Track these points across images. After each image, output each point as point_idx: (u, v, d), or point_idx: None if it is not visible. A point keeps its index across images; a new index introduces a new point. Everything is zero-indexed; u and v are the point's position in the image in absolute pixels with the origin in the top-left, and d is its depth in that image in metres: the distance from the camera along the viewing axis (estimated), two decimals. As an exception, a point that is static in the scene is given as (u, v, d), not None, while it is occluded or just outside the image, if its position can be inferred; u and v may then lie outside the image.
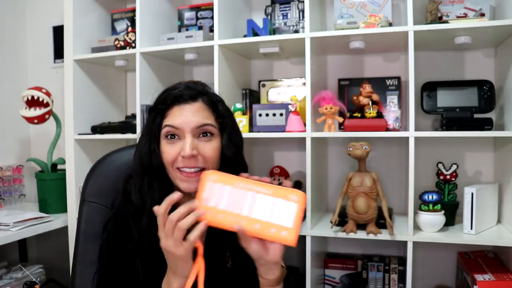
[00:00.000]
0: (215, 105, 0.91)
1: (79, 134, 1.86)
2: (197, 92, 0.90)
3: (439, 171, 1.58)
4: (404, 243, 1.46)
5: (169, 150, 0.86)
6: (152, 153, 0.88)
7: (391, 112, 1.72)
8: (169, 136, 0.87)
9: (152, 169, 0.88)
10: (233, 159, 0.91)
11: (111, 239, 0.89)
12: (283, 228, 0.71)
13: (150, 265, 0.85)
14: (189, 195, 0.90)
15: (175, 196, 0.77)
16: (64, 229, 1.88)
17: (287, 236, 0.71)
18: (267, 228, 0.72)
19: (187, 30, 1.89)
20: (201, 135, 0.87)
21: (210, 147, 0.88)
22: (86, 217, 1.07)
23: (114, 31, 2.04)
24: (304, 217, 1.54)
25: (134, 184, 0.90)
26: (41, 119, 1.88)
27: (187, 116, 0.86)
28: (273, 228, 0.72)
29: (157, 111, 0.89)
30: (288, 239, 0.71)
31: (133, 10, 1.90)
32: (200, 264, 0.78)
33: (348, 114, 1.58)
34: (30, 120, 1.87)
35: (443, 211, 1.44)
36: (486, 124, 1.44)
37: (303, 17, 1.76)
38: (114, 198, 0.96)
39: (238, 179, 0.76)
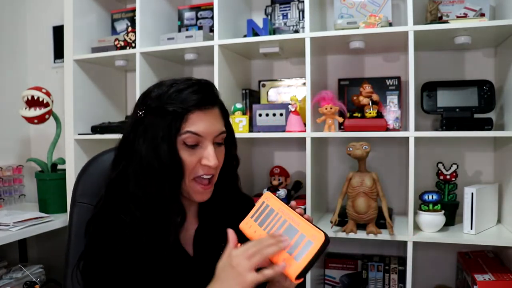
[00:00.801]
0: (225, 109, 0.90)
1: (79, 134, 1.86)
2: (214, 95, 0.87)
3: (439, 171, 1.57)
4: (404, 243, 1.46)
5: (188, 158, 0.82)
6: (176, 159, 0.81)
7: (391, 112, 1.72)
8: (189, 143, 0.82)
9: (174, 175, 0.82)
10: (235, 156, 0.95)
11: (97, 242, 0.83)
12: (291, 261, 0.72)
13: (157, 273, 0.82)
14: (195, 203, 0.91)
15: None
16: (64, 229, 1.87)
17: (291, 270, 0.71)
18: (281, 255, 0.74)
19: (187, 30, 1.89)
20: (216, 143, 0.86)
21: (222, 155, 0.89)
22: (77, 219, 1.04)
23: (114, 31, 2.04)
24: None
25: (146, 189, 0.82)
26: (41, 119, 1.88)
27: (211, 123, 0.83)
28: (285, 257, 0.73)
29: (174, 115, 0.80)
30: (290, 272, 0.71)
31: (133, 10, 1.90)
32: None
33: (348, 114, 1.58)
34: (30, 120, 1.87)
35: (443, 211, 1.44)
36: (486, 124, 1.44)
37: (303, 17, 1.76)
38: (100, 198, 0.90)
39: (284, 207, 0.80)
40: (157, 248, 0.83)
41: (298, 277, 0.71)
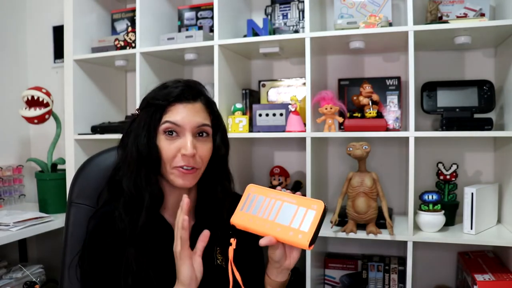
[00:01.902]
0: (212, 106, 0.95)
1: (79, 134, 1.86)
2: (197, 91, 0.93)
3: (439, 171, 1.58)
4: (404, 243, 1.46)
5: (167, 147, 0.88)
6: (152, 147, 0.87)
7: (391, 112, 1.72)
8: (168, 132, 0.88)
9: (150, 163, 0.88)
10: (224, 158, 0.97)
11: (93, 237, 0.89)
12: (299, 232, 0.77)
13: (145, 258, 0.85)
14: (180, 195, 0.92)
15: (184, 204, 0.81)
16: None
17: (302, 240, 0.76)
18: (286, 231, 0.78)
19: (187, 30, 1.89)
20: (198, 135, 0.90)
21: (206, 148, 0.92)
22: (74, 220, 1.05)
23: (114, 31, 2.04)
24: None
25: (128, 177, 0.89)
26: (41, 119, 1.88)
27: (189, 114, 0.88)
28: (291, 232, 0.78)
29: (156, 106, 0.89)
30: (302, 242, 0.76)
31: (133, 10, 1.90)
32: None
33: (348, 114, 1.58)
34: (30, 120, 1.87)
35: (443, 211, 1.44)
36: (486, 124, 1.44)
37: (303, 17, 1.76)
38: (99, 194, 0.96)
39: (273, 192, 0.84)
40: (146, 238, 0.86)
41: (310, 244, 0.75)
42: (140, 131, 0.89)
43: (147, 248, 0.86)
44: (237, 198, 1.06)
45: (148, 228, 0.87)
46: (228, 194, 0.99)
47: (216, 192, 0.97)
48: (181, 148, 0.87)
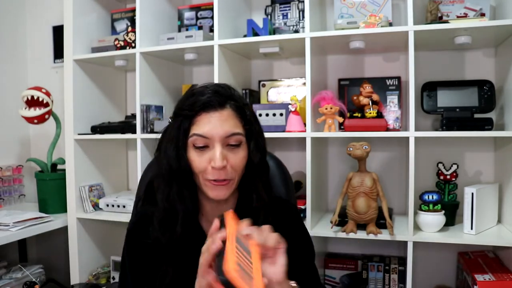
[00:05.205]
0: (243, 111, 0.89)
1: (79, 134, 1.86)
2: (225, 97, 0.86)
3: (439, 171, 1.57)
4: (404, 243, 1.46)
5: (198, 160, 0.84)
6: (181, 160, 0.85)
7: (391, 112, 1.72)
8: (197, 145, 0.84)
9: (181, 176, 0.86)
10: (259, 164, 0.91)
11: (130, 237, 0.91)
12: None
13: (178, 271, 0.85)
14: (217, 202, 0.90)
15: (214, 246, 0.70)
16: (64, 229, 1.87)
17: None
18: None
19: (187, 30, 1.89)
20: (229, 144, 0.85)
21: (239, 157, 0.86)
22: None
23: (114, 31, 2.04)
24: (305, 217, 1.54)
25: (162, 190, 0.88)
26: (41, 119, 1.88)
27: (216, 125, 0.83)
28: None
29: (184, 117, 0.85)
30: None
31: (133, 10, 1.90)
32: None
33: (348, 114, 1.58)
34: (30, 120, 1.87)
35: (443, 211, 1.44)
36: (486, 124, 1.44)
37: (303, 17, 1.76)
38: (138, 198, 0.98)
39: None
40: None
41: None
42: (169, 143, 0.86)
43: (181, 259, 0.85)
44: (280, 202, 0.99)
45: (183, 239, 0.86)
46: (264, 204, 0.92)
47: (252, 201, 0.91)
48: (211, 160, 0.83)
